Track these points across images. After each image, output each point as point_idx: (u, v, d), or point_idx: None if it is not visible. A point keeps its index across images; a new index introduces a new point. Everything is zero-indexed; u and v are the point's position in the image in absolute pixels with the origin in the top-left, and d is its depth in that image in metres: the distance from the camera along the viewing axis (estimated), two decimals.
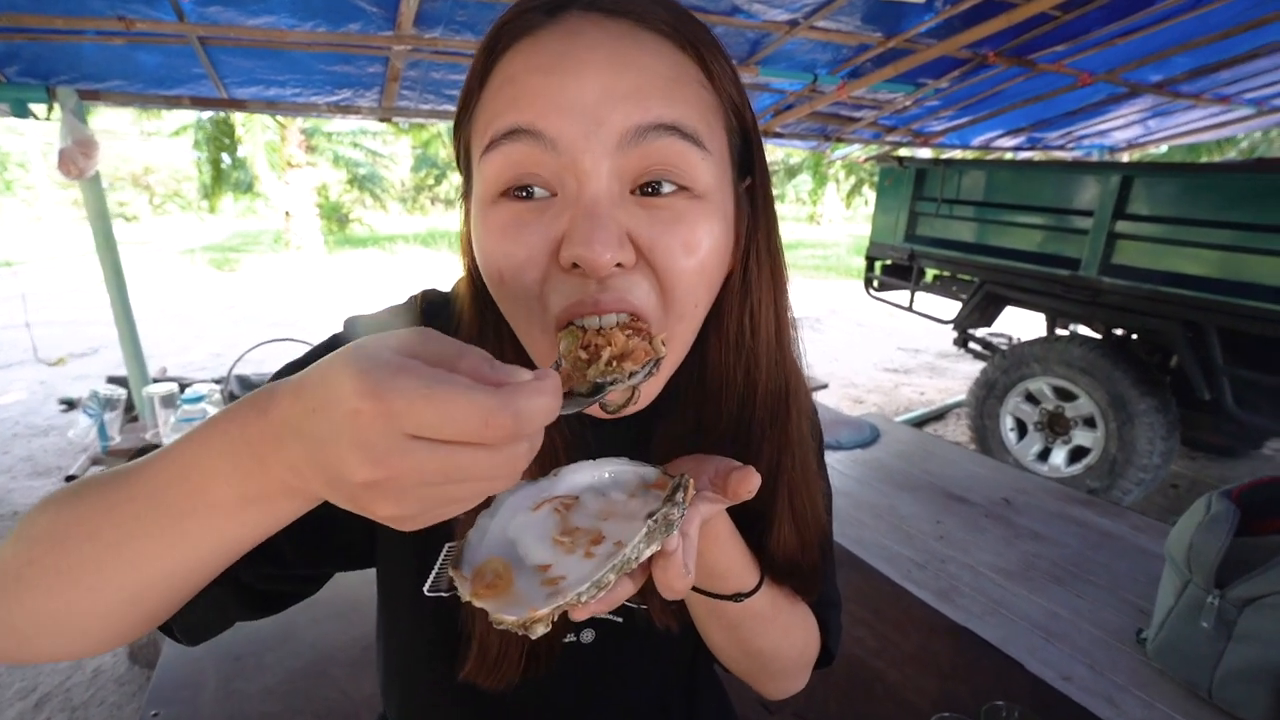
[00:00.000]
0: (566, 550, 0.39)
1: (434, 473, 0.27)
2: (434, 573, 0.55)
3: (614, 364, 0.40)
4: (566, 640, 0.57)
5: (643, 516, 0.38)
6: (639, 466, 0.45)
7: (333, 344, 0.54)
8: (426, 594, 0.55)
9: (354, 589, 0.83)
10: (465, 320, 0.51)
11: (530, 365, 0.45)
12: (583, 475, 0.44)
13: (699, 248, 0.42)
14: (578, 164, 0.39)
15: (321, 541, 0.50)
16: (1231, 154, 11.12)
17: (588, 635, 0.58)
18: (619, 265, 0.40)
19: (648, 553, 0.36)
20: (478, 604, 0.36)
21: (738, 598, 0.50)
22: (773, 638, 0.55)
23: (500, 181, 0.41)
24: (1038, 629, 1.70)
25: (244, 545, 0.36)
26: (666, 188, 0.41)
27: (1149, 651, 1.59)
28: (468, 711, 0.60)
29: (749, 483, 0.42)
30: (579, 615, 0.35)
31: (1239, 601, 1.38)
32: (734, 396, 0.50)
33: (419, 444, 0.26)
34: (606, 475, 0.45)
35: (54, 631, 0.38)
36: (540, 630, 0.34)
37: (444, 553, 0.55)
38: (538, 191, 0.41)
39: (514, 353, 0.48)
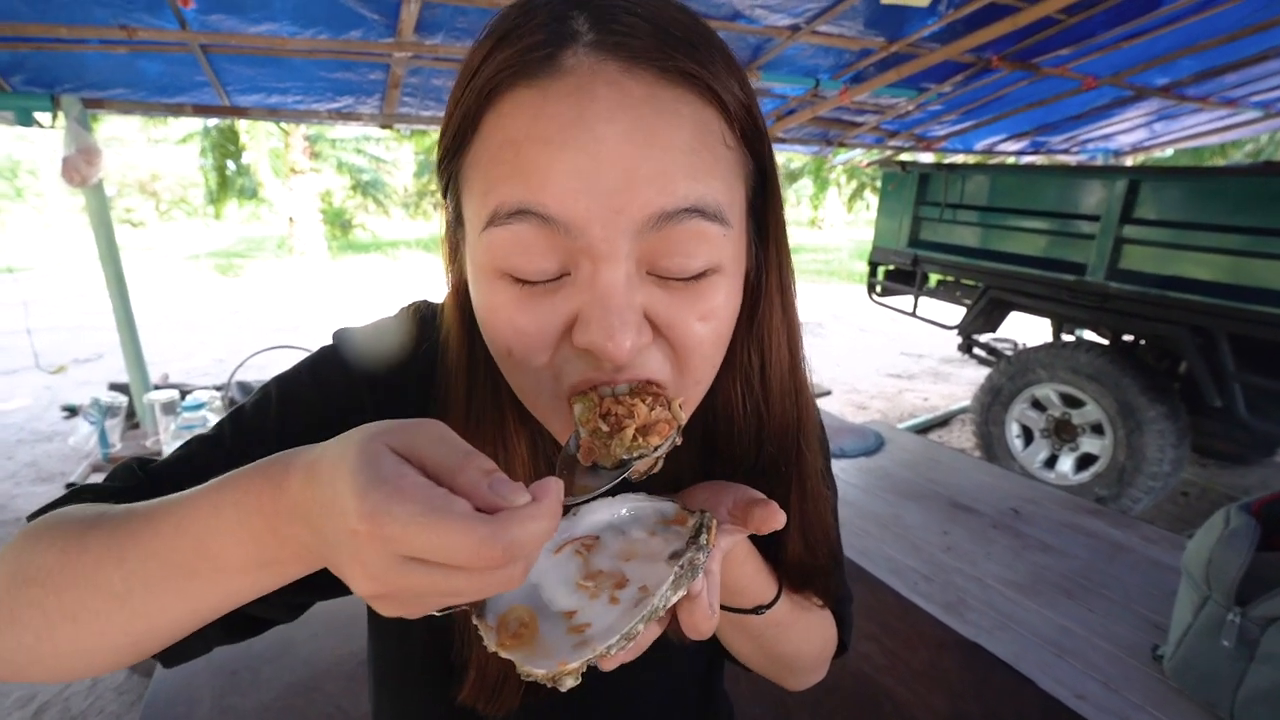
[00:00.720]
0: (591, 596, 0.38)
1: (427, 589, 0.28)
2: None
3: (638, 439, 0.39)
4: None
5: (665, 557, 0.38)
6: (657, 502, 0.44)
7: (322, 358, 0.53)
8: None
9: (350, 604, 0.81)
10: (453, 347, 0.49)
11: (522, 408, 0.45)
12: (601, 514, 0.44)
13: (715, 316, 0.40)
14: (593, 249, 0.35)
15: (313, 576, 0.49)
16: (1237, 157, 11.07)
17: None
18: None
19: (674, 599, 0.36)
20: (504, 655, 0.35)
21: (758, 610, 0.51)
22: (794, 642, 0.56)
23: (507, 263, 0.37)
24: (1049, 644, 1.66)
25: (249, 598, 0.36)
26: (686, 268, 0.37)
27: (1166, 670, 1.55)
28: None
29: (774, 520, 0.41)
30: (607, 666, 0.35)
31: (1262, 620, 1.34)
32: (747, 428, 0.50)
33: (413, 565, 0.27)
34: (625, 512, 0.44)
35: (51, 664, 0.38)
36: (570, 683, 0.34)
37: None
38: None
39: (507, 390, 0.46)
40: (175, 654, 0.44)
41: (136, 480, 0.47)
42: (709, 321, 0.39)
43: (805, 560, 0.53)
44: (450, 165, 0.40)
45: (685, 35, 0.36)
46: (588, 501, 0.38)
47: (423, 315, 0.56)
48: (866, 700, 1.42)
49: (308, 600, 0.51)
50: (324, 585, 0.51)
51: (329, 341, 0.55)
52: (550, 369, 0.40)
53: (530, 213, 0.35)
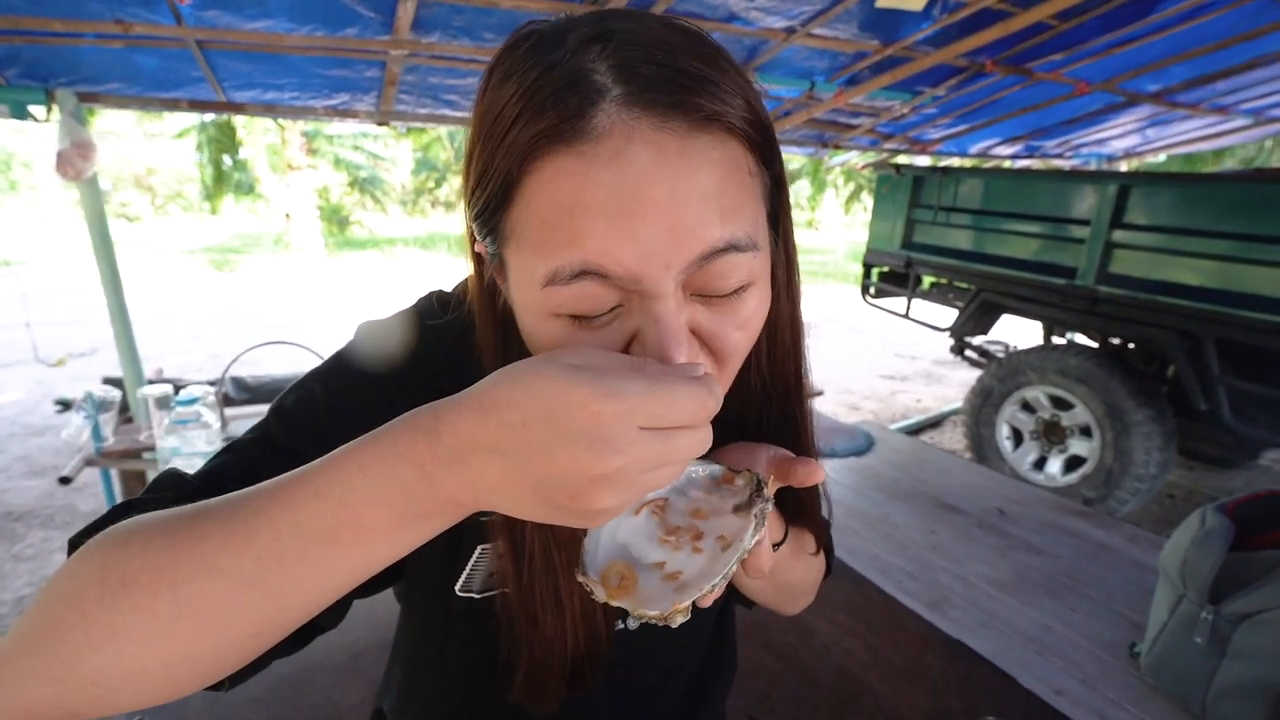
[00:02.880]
0: (674, 548, 0.44)
1: (658, 455, 0.31)
2: (466, 572, 0.57)
3: None
4: (617, 627, 0.62)
5: (729, 510, 0.45)
6: (705, 465, 0.49)
7: (356, 349, 0.55)
8: (458, 593, 0.58)
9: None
10: (479, 327, 0.52)
11: None
12: None
13: (750, 323, 0.45)
14: (645, 291, 0.39)
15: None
16: (1229, 164, 11.14)
17: (633, 621, 0.63)
18: None
19: (754, 542, 0.42)
20: (614, 603, 0.41)
21: (775, 547, 0.56)
22: (798, 571, 0.64)
23: (567, 309, 0.40)
24: (1030, 642, 1.69)
25: (380, 567, 0.36)
26: (724, 289, 0.42)
27: (1142, 666, 1.57)
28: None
29: (816, 475, 0.47)
30: (706, 603, 0.40)
31: (1234, 617, 1.37)
32: (755, 396, 0.56)
33: (648, 434, 0.31)
34: (682, 477, 0.49)
35: (155, 676, 0.35)
36: (680, 619, 0.40)
37: (476, 554, 0.57)
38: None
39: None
40: (244, 672, 0.42)
41: (192, 486, 0.46)
42: (745, 329, 0.44)
43: (804, 500, 0.60)
44: (491, 219, 0.42)
45: (701, 73, 0.38)
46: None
47: (443, 302, 0.57)
48: (849, 695, 1.44)
49: (356, 597, 0.52)
50: (373, 584, 0.54)
51: (354, 335, 0.57)
52: None
53: (590, 274, 0.38)
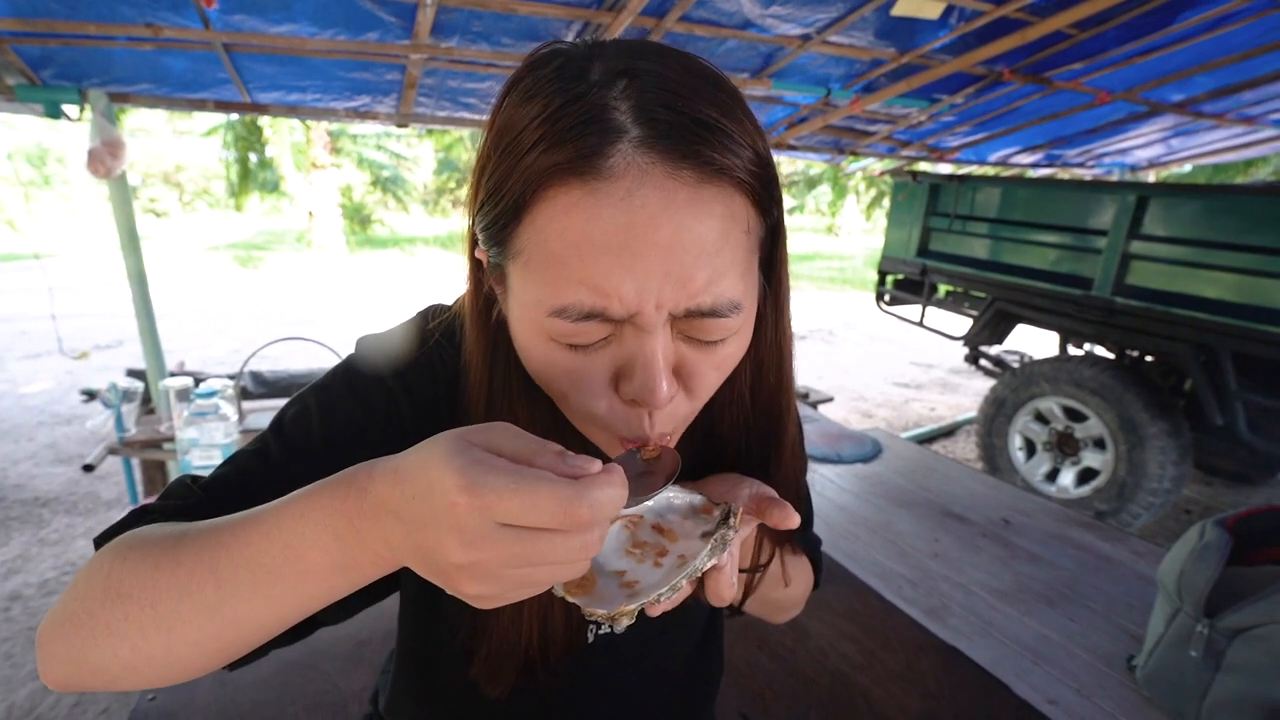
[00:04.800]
0: (637, 560, 0.47)
1: (518, 556, 0.31)
2: None
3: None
4: (602, 632, 0.64)
5: (698, 535, 0.47)
6: (688, 494, 0.52)
7: (352, 367, 0.57)
8: None
9: None
10: (470, 340, 0.53)
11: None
12: (645, 501, 0.52)
13: (727, 364, 0.47)
14: (637, 326, 0.42)
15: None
16: (1262, 175, 10.86)
17: (619, 627, 0.65)
18: None
19: (708, 565, 0.44)
20: (570, 599, 0.43)
21: (761, 568, 0.59)
22: (784, 588, 0.67)
23: (563, 339, 0.43)
24: (1027, 651, 1.68)
25: (325, 603, 0.40)
26: (708, 338, 0.44)
27: (1138, 679, 1.57)
28: (510, 698, 0.63)
29: (790, 521, 0.49)
30: (654, 612, 0.42)
31: (1229, 631, 1.36)
32: (738, 425, 0.58)
33: (507, 531, 0.31)
34: (663, 500, 0.52)
35: (144, 672, 0.42)
36: (625, 622, 0.42)
37: None
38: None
39: (524, 408, 0.52)
40: (244, 659, 0.47)
41: (196, 497, 0.51)
42: (720, 369, 0.47)
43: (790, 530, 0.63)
44: (500, 234, 0.44)
45: (718, 123, 0.40)
46: (638, 504, 0.45)
47: (441, 319, 0.59)
48: (842, 698, 1.45)
49: (359, 605, 0.55)
50: (376, 591, 0.57)
51: (353, 349, 0.58)
52: (599, 418, 0.47)
53: (594, 315, 0.41)
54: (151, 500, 0.52)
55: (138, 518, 0.48)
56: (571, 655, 0.61)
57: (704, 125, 0.39)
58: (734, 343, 0.46)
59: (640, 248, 0.38)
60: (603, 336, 0.43)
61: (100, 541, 0.47)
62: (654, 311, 0.40)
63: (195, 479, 0.53)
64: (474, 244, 0.48)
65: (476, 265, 0.50)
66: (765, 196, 0.44)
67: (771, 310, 0.52)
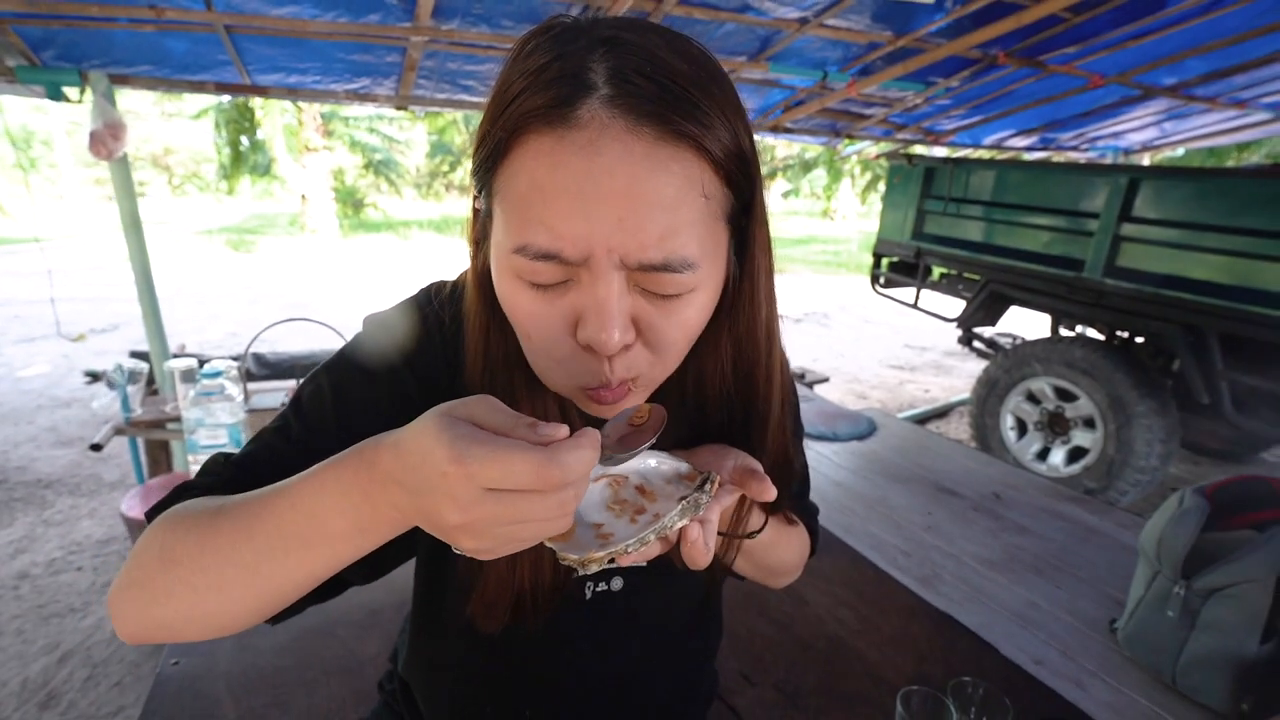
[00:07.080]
0: (616, 515, 0.50)
1: (504, 516, 0.36)
2: None
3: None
4: (599, 589, 0.67)
5: (675, 498, 0.50)
6: (675, 461, 0.56)
7: (360, 346, 0.61)
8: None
9: None
10: (475, 327, 0.57)
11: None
12: (633, 462, 0.55)
13: (688, 324, 0.50)
14: (592, 270, 0.45)
15: (389, 546, 0.56)
16: (1254, 158, 10.91)
17: (617, 583, 0.68)
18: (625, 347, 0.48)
19: (679, 525, 0.47)
20: (548, 545, 0.47)
21: (752, 535, 0.62)
22: (779, 554, 0.70)
23: (524, 276, 0.47)
24: (1015, 616, 1.76)
25: (350, 560, 0.45)
26: (663, 292, 0.47)
27: (1119, 640, 1.65)
28: (512, 647, 0.68)
29: (767, 494, 0.52)
30: (623, 562, 0.46)
31: (1203, 592, 1.44)
32: (723, 397, 0.60)
33: (492, 494, 0.35)
34: (650, 464, 0.56)
35: (201, 625, 0.48)
36: (594, 568, 0.45)
37: None
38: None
39: (520, 365, 0.55)
40: (284, 614, 0.53)
41: (230, 473, 0.56)
42: (683, 329, 0.49)
43: (780, 497, 0.64)
44: (485, 177, 0.48)
45: (687, 93, 0.42)
46: (619, 461, 0.48)
47: (441, 294, 0.63)
48: (839, 659, 1.50)
49: (384, 567, 0.60)
50: (397, 554, 0.62)
51: (360, 328, 0.62)
52: (562, 363, 0.50)
53: (551, 255, 0.44)
54: (191, 477, 0.58)
55: (180, 494, 0.54)
56: (567, 608, 0.64)
57: (670, 92, 0.43)
58: (694, 303, 0.48)
59: (596, 194, 0.42)
60: (561, 280, 0.46)
61: (151, 515, 0.53)
62: (606, 255, 0.43)
63: (227, 456, 0.58)
64: (475, 196, 0.52)
65: (475, 219, 0.54)
66: (735, 173, 0.47)
67: (750, 280, 0.54)
